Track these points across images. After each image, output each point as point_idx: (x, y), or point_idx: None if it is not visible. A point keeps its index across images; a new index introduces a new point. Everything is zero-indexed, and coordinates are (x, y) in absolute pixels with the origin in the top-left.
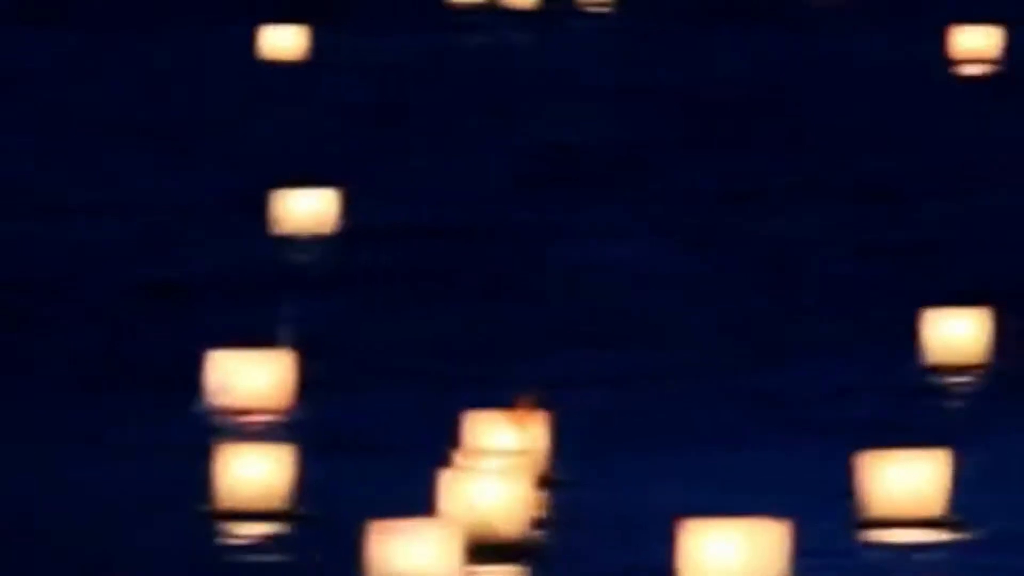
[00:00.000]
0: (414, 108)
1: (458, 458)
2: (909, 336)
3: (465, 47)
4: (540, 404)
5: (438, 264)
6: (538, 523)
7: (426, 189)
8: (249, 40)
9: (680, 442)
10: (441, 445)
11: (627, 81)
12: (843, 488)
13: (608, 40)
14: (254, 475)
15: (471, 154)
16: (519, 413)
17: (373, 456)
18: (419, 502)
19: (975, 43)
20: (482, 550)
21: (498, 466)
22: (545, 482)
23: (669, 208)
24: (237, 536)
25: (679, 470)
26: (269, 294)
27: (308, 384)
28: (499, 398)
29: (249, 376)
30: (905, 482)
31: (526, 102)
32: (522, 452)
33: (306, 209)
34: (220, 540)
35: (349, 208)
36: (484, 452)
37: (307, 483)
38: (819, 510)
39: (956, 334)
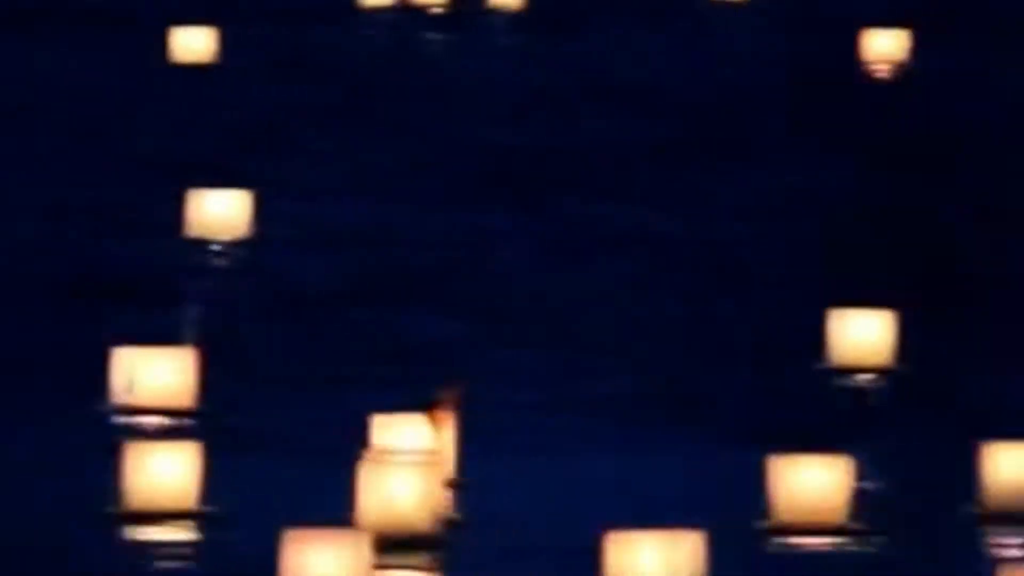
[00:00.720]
0: (326, 111)
1: (368, 456)
2: (815, 339)
3: (376, 48)
4: (459, 402)
5: (348, 266)
6: (446, 520)
7: (338, 192)
8: (159, 42)
9: (589, 445)
10: (348, 444)
11: (537, 81)
12: (753, 492)
13: (518, 40)
14: (161, 475)
15: (383, 156)
16: (437, 410)
17: (281, 455)
18: (328, 500)
19: (884, 46)
20: (392, 544)
21: (410, 462)
22: (451, 483)
23: (567, 216)
24: (144, 538)
25: (589, 473)
26: (179, 295)
27: (216, 384)
28: (405, 398)
29: (154, 374)
30: (811, 487)
31: (439, 103)
32: (433, 449)
33: (218, 211)
34: (127, 542)
35: (261, 210)
36: (393, 450)
37: (214, 483)
38: (729, 516)
39: (862, 336)
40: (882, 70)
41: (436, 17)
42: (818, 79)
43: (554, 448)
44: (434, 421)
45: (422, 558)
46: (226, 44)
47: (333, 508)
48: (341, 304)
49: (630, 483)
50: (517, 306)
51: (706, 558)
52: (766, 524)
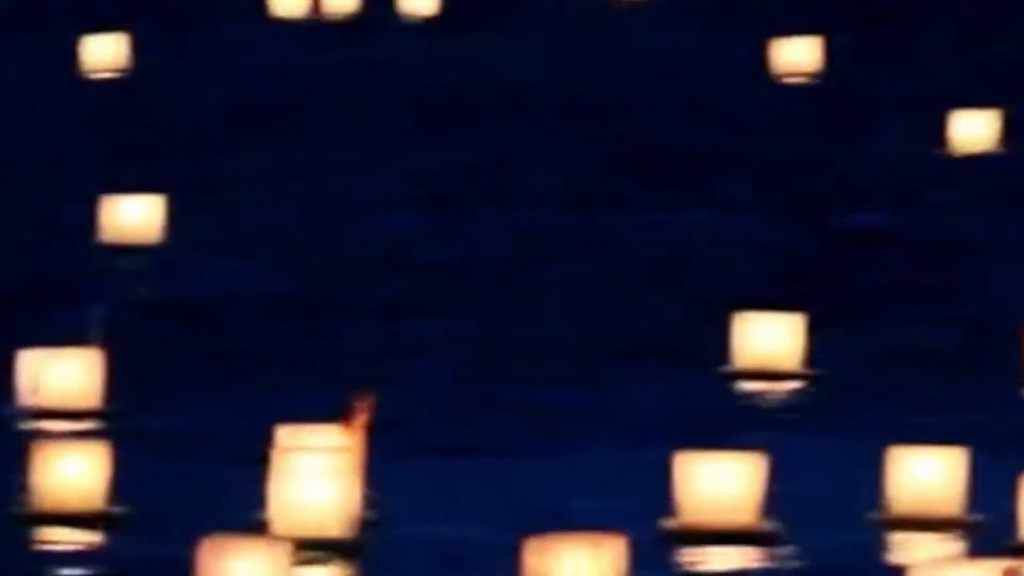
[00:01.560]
0: (240, 116)
1: (278, 459)
2: (717, 343)
3: (289, 54)
4: (372, 408)
5: (263, 270)
6: (362, 523)
7: (253, 197)
8: (74, 51)
9: (500, 448)
10: (259, 447)
11: (449, 86)
12: (660, 492)
13: (429, 46)
14: (69, 476)
15: (300, 161)
16: (351, 416)
17: (192, 458)
18: (239, 503)
19: (796, 53)
20: (308, 548)
21: (322, 467)
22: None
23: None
24: (52, 540)
25: (497, 475)
26: (87, 297)
27: (125, 388)
28: (317, 403)
29: (60, 375)
30: (719, 488)
31: (351, 108)
32: (346, 454)
33: (132, 217)
34: (35, 544)
35: (174, 214)
36: (305, 454)
37: (124, 484)
38: (638, 516)
39: (769, 340)
40: (794, 78)
41: (346, 24)
42: (726, 81)
43: (470, 451)
44: (348, 427)
45: (338, 562)
46: (138, 49)
47: (244, 511)
48: (255, 307)
49: (547, 486)
50: (435, 311)
51: (626, 561)
52: (675, 524)
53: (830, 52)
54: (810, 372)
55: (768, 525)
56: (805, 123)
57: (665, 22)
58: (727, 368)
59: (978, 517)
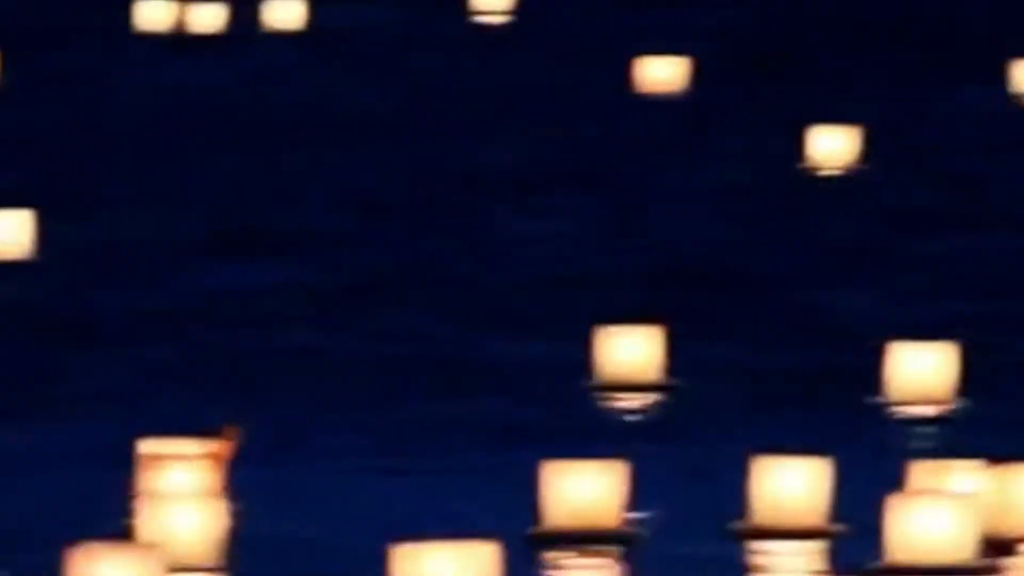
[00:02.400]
0: (105, 135)
1: (145, 469)
2: (582, 354)
3: (154, 72)
4: (240, 435)
5: (130, 289)
6: (226, 547)
7: (119, 216)
8: None
9: (368, 455)
10: (121, 472)
11: (322, 106)
12: (527, 499)
13: (297, 63)
14: None
15: (165, 181)
16: (220, 443)
17: (58, 468)
18: (107, 512)
19: (660, 73)
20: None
21: (191, 492)
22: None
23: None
24: None
25: (376, 489)
26: None
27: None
28: (179, 415)
29: None
30: (584, 495)
31: (216, 127)
32: (210, 480)
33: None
34: None
35: (42, 232)
36: (170, 465)
37: None
38: (506, 522)
39: (631, 353)
40: (658, 97)
41: (212, 40)
42: (585, 103)
43: (337, 457)
44: (214, 456)
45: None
46: (6, 68)
47: (112, 519)
48: (122, 325)
49: (417, 492)
50: (307, 323)
51: (500, 569)
52: (540, 530)
53: (695, 70)
54: (671, 383)
55: (629, 529)
56: (668, 140)
57: (527, 42)
58: (591, 380)
59: (841, 528)
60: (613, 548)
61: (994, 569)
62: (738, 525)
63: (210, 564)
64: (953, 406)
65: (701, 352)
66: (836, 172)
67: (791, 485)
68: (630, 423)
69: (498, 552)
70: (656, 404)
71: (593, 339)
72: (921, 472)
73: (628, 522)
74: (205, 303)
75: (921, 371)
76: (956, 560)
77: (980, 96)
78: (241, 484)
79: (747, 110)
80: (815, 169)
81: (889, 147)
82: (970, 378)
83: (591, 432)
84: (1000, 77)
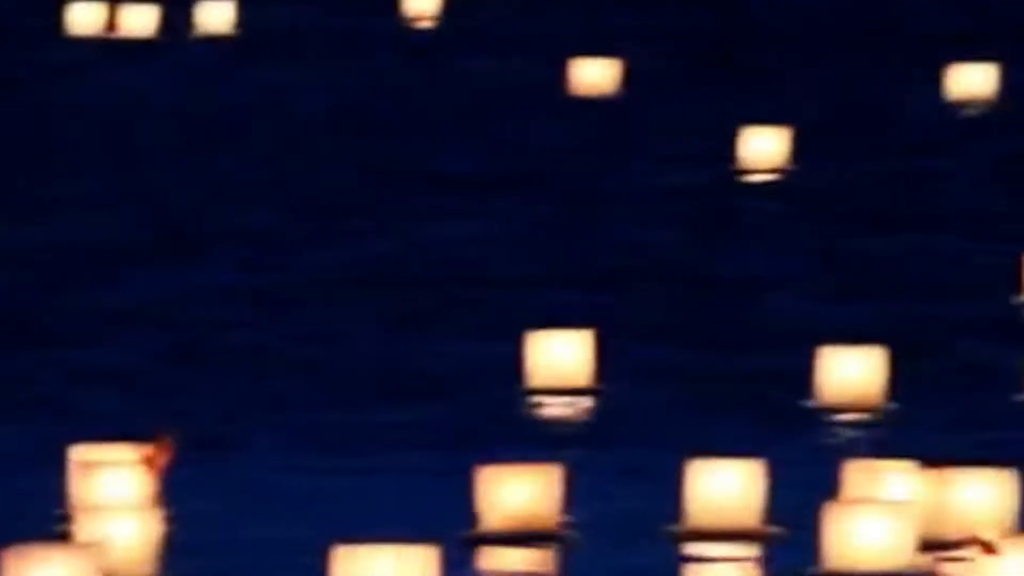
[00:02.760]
0: (45, 140)
1: (78, 473)
2: (515, 359)
3: (83, 77)
4: (174, 441)
5: (61, 295)
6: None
7: (55, 220)
8: None
9: (306, 457)
10: (53, 479)
11: (256, 107)
12: (464, 503)
13: (230, 65)
14: None
15: (104, 184)
16: (154, 448)
17: None
18: (40, 533)
19: (594, 74)
20: None
21: (126, 499)
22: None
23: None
24: None
25: (314, 491)
26: None
27: None
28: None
29: None
30: (522, 497)
31: (141, 132)
32: (145, 486)
33: None
34: None
35: None
36: (103, 470)
37: None
38: (444, 525)
39: (561, 358)
40: (591, 98)
41: (142, 43)
42: (518, 106)
43: (278, 469)
44: (148, 465)
45: None
46: None
47: (45, 527)
48: (60, 328)
49: (357, 500)
50: (237, 324)
51: (438, 571)
52: (475, 533)
53: (627, 74)
54: (602, 387)
55: (565, 531)
56: (602, 143)
57: (458, 45)
58: (523, 385)
59: (777, 530)
60: (548, 550)
61: (931, 574)
62: (673, 528)
63: (145, 571)
64: (884, 409)
65: (636, 355)
66: (768, 174)
67: (726, 488)
68: (563, 427)
69: (436, 554)
70: (588, 408)
71: (526, 343)
72: (855, 475)
73: (563, 525)
74: (144, 305)
75: (852, 374)
76: (893, 566)
77: (916, 98)
78: (179, 486)
79: (680, 112)
80: (748, 171)
81: (822, 148)
82: (902, 381)
83: (525, 436)
84: (937, 80)
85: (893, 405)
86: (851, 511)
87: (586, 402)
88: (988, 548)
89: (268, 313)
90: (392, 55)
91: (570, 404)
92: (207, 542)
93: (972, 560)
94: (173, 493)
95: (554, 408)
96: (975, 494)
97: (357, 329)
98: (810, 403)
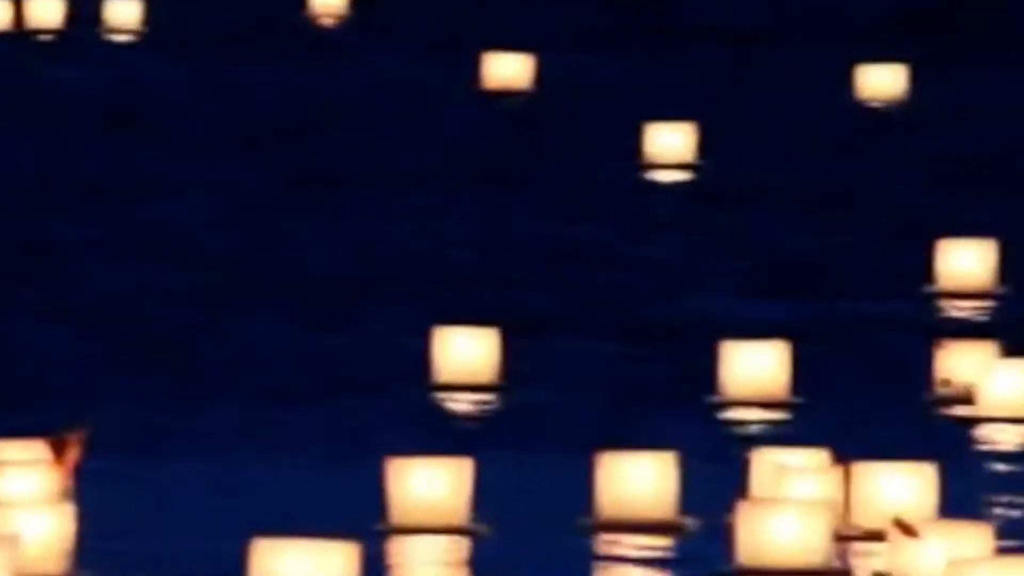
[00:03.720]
0: None
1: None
2: (422, 356)
3: None
4: (83, 439)
5: None
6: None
7: None
8: None
9: (216, 455)
10: None
11: (146, 104)
12: (374, 500)
13: (138, 62)
14: None
15: (14, 180)
16: (62, 449)
17: None
18: None
19: (507, 70)
20: None
21: (37, 497)
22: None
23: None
24: None
25: (229, 486)
26: None
27: None
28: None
29: None
30: (430, 491)
31: (45, 128)
32: (56, 484)
33: None
34: None
35: None
36: (18, 483)
37: None
38: (358, 520)
39: (467, 354)
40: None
41: (48, 38)
42: (435, 99)
43: (194, 465)
44: (58, 462)
45: None
46: None
47: None
48: None
49: (269, 495)
50: (125, 329)
51: (357, 565)
52: (389, 525)
53: (540, 70)
54: (507, 384)
55: (475, 526)
56: (512, 138)
57: (369, 42)
58: (431, 381)
59: (690, 522)
60: (459, 544)
61: (843, 571)
62: (586, 521)
63: (57, 568)
64: (790, 403)
65: (546, 351)
66: (677, 170)
67: (639, 480)
68: (472, 423)
69: (357, 549)
70: (496, 404)
71: (433, 339)
72: (764, 470)
73: (474, 519)
74: (57, 301)
75: (757, 369)
76: (807, 563)
77: (824, 98)
78: (91, 481)
79: (589, 107)
80: (657, 166)
81: (727, 145)
82: (811, 375)
83: (434, 431)
84: (847, 80)
85: (799, 399)
86: (764, 508)
87: (494, 398)
88: (907, 531)
89: (186, 311)
90: (302, 53)
91: (478, 400)
92: (120, 538)
93: (890, 546)
94: (86, 489)
95: (462, 404)
96: (893, 488)
97: (269, 329)
98: (716, 398)
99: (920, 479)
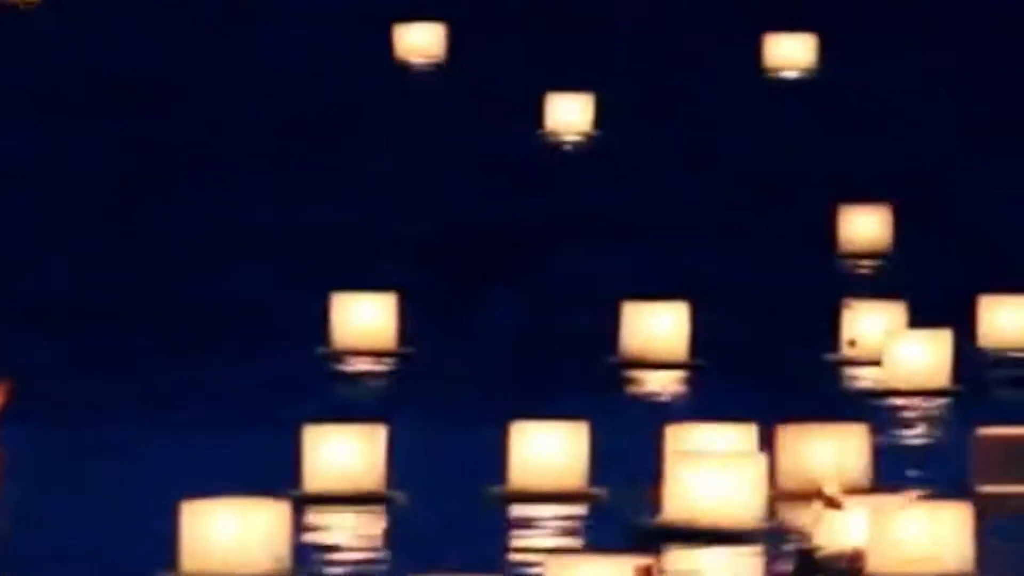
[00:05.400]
0: None
1: None
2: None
3: None
4: (9, 393)
5: None
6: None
7: None
8: None
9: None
10: None
11: (56, 73)
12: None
13: (40, 31)
14: None
15: None
16: None
17: None
18: None
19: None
20: None
21: None
22: None
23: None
24: None
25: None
26: None
27: None
28: None
29: None
30: (344, 458)
31: None
32: None
33: None
34: None
35: None
36: None
37: None
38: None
39: (364, 320)
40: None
41: None
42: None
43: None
44: None
45: None
46: None
47: None
48: None
49: (184, 460)
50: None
51: (288, 526)
52: (304, 493)
53: (450, 40)
54: (407, 350)
55: (389, 492)
56: (421, 108)
57: (289, 13)
58: (324, 348)
59: (601, 491)
60: (374, 510)
61: (780, 529)
62: (495, 489)
63: None
64: (692, 364)
65: (452, 318)
66: (575, 138)
67: (549, 449)
68: (374, 388)
69: (286, 509)
70: (398, 370)
71: (331, 305)
72: (677, 434)
73: (389, 485)
74: None
75: (656, 330)
76: (739, 523)
77: (729, 70)
78: (9, 443)
79: (495, 77)
80: (556, 135)
81: (627, 115)
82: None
83: (338, 397)
84: (752, 52)
85: (699, 362)
86: (693, 465)
87: (395, 364)
88: (831, 503)
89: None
90: (217, 20)
91: (378, 365)
92: (41, 501)
93: (815, 515)
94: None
95: (360, 367)
96: (821, 450)
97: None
98: (616, 359)
99: (841, 441)
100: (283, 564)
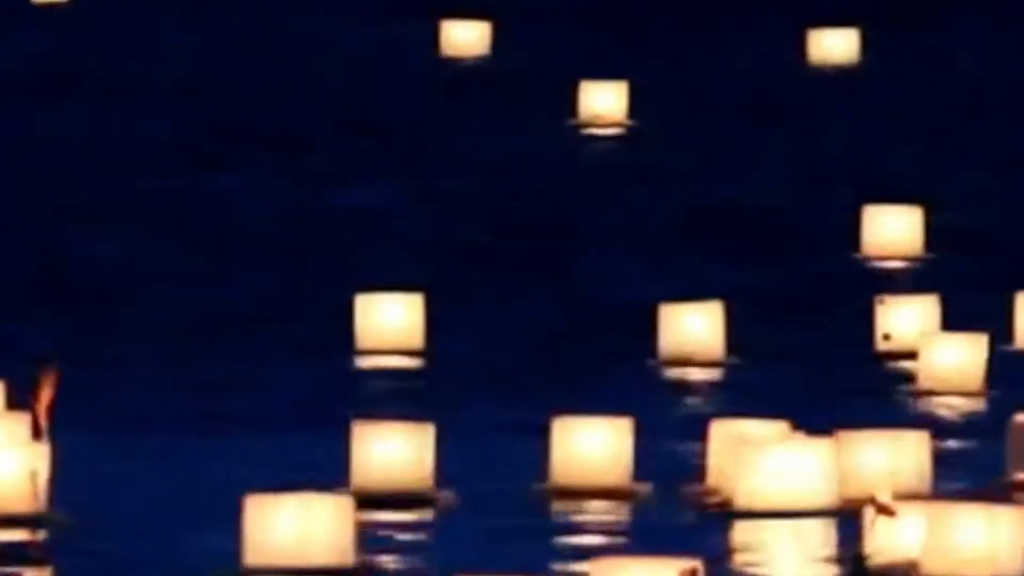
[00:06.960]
0: None
1: None
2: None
3: None
4: (56, 380)
5: None
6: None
7: None
8: None
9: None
10: None
11: (75, 72)
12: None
13: (59, 33)
14: None
15: None
16: (37, 389)
17: None
18: None
19: (464, 35)
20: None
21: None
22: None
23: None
24: None
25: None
26: None
27: None
28: None
29: None
30: (395, 456)
31: None
32: (36, 422)
33: None
34: None
35: None
36: None
37: None
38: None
39: (392, 320)
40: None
41: None
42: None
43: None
44: (33, 401)
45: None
46: None
47: None
48: None
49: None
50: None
51: (352, 521)
52: (355, 490)
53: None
54: (431, 349)
55: (439, 491)
56: (460, 107)
57: (318, 6)
58: (356, 348)
59: (646, 487)
60: (426, 510)
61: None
62: (539, 487)
63: (29, 506)
64: (727, 363)
65: (479, 318)
66: (608, 130)
67: (592, 446)
68: (417, 390)
69: (350, 504)
70: (425, 370)
71: (356, 308)
72: (723, 433)
73: (438, 486)
74: None
75: (693, 332)
76: (817, 506)
77: (762, 61)
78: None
79: (543, 72)
80: (587, 126)
81: (660, 106)
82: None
83: (377, 397)
84: (791, 43)
85: (733, 361)
86: (772, 451)
87: (421, 363)
88: (884, 510)
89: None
90: (235, 18)
91: (406, 365)
92: (89, 478)
93: (868, 522)
94: (55, 429)
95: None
96: (879, 459)
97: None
98: (655, 361)
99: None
100: (346, 558)
